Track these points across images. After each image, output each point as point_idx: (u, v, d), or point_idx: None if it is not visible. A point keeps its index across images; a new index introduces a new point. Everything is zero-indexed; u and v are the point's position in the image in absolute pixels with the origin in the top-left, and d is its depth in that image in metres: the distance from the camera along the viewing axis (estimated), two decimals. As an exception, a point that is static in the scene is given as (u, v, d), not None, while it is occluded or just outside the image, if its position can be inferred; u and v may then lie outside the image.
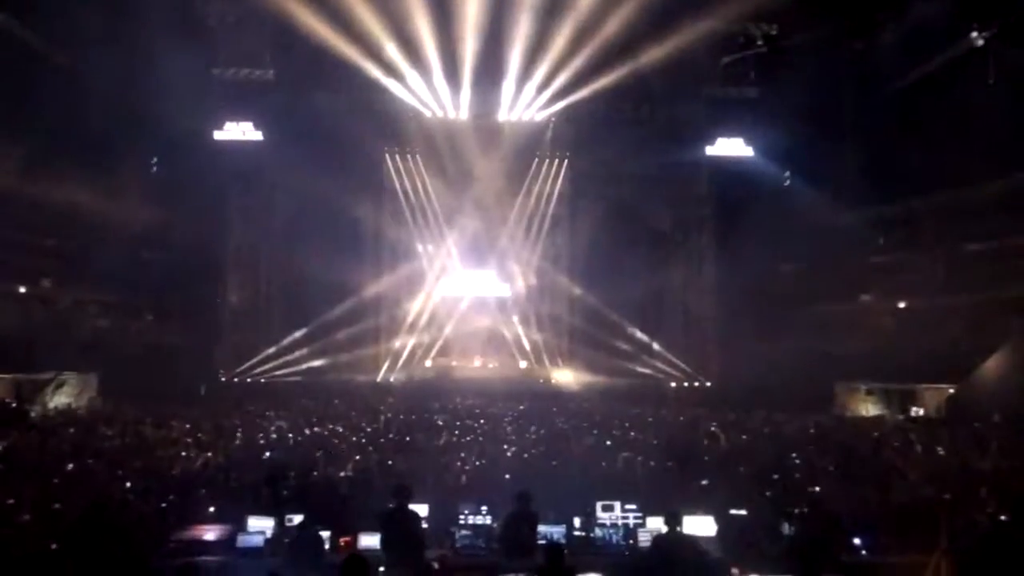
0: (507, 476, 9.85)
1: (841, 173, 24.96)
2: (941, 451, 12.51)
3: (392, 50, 23.73)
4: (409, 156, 27.42)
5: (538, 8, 22.29)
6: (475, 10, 22.13)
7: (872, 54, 23.56)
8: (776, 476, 9.86)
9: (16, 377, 19.72)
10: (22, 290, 22.14)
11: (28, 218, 21.45)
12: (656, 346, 26.78)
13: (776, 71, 24.78)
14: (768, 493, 8.90)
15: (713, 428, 15.21)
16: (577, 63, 23.79)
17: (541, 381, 26.32)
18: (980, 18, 20.65)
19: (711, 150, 26.28)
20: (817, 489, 9.02)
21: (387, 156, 27.26)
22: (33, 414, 17.08)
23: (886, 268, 25.38)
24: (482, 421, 16.41)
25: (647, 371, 26.40)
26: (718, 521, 7.28)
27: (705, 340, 26.83)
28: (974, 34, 20.77)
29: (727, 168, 26.14)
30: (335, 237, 25.02)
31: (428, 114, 26.39)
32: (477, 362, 27.59)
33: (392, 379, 26.13)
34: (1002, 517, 6.98)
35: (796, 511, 7.52)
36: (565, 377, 26.47)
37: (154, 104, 20.50)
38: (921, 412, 20.76)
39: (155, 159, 25.04)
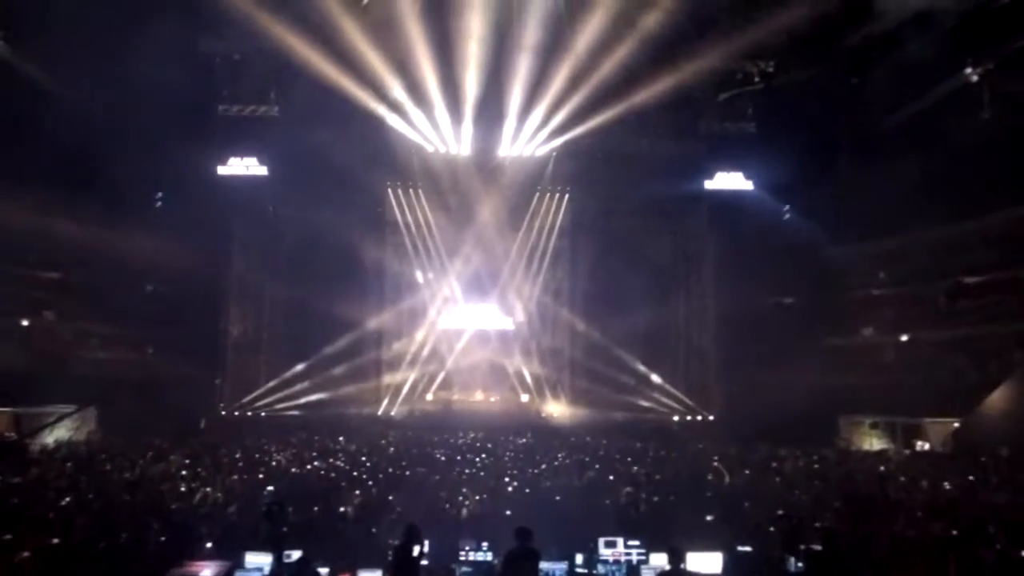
0: (508, 512, 9.72)
1: (839, 207, 25.10)
2: (948, 486, 12.36)
3: (395, 87, 24.11)
4: (411, 190, 27.64)
5: (538, 47, 22.69)
6: (476, 49, 22.52)
7: (867, 89, 23.85)
8: (781, 512, 9.73)
9: (16, 411, 19.63)
10: (24, 323, 22.16)
11: (30, 252, 21.55)
12: (658, 379, 26.64)
13: (773, 107, 25.08)
14: (773, 529, 8.77)
15: (716, 463, 15.05)
16: (577, 100, 24.10)
17: (543, 415, 26.14)
18: (974, 53, 20.98)
19: (710, 184, 26.47)
20: (824, 524, 8.89)
21: (389, 190, 27.47)
22: (33, 448, 16.94)
23: (887, 301, 25.37)
24: (483, 456, 16.26)
25: (649, 405, 26.24)
26: (724, 557, 7.16)
27: (707, 373, 26.70)
28: (968, 69, 21.08)
29: (727, 202, 26.28)
30: (337, 270, 25.15)
31: (430, 149, 26.67)
32: (479, 396, 27.43)
33: (393, 413, 25.97)
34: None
35: (803, 547, 7.40)
36: (567, 411, 26.29)
37: (160, 140, 20.77)
38: (927, 446, 20.56)
39: (160, 193, 25.22)
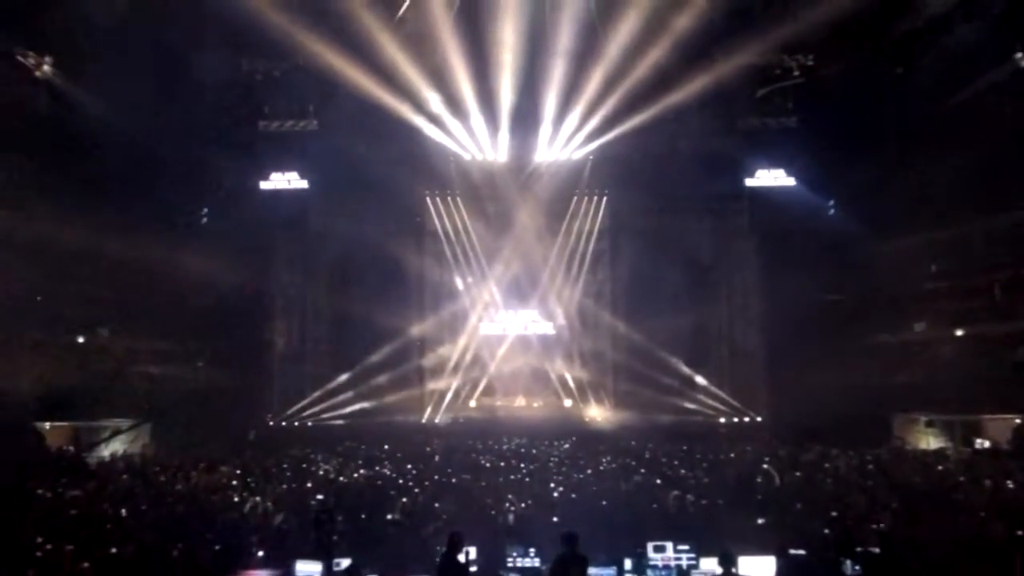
0: (555, 518, 9.68)
1: (886, 200, 24.42)
2: (1011, 484, 11.90)
3: (431, 97, 24.36)
4: (449, 199, 27.85)
5: (571, 52, 22.65)
6: (510, 56, 22.62)
7: (912, 79, 23.20)
8: (835, 513, 9.49)
9: (74, 425, 20.28)
10: (80, 340, 22.93)
11: (84, 271, 22.28)
12: (702, 381, 26.25)
13: (815, 100, 24.56)
14: (827, 531, 8.56)
15: (766, 465, 14.75)
16: (612, 102, 23.96)
17: (587, 419, 25.98)
18: (1022, 39, 20.24)
19: (751, 181, 26.07)
20: (882, 526, 8.63)
21: (428, 199, 27.72)
22: (90, 461, 17.49)
23: (940, 295, 24.55)
24: (528, 461, 16.22)
25: (694, 407, 25.88)
26: (778, 561, 7.00)
27: (753, 374, 26.19)
28: (1018, 55, 20.36)
29: (769, 199, 25.84)
30: (378, 280, 25.50)
31: (467, 158, 26.85)
32: (521, 401, 27.39)
33: (437, 420, 26.12)
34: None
35: (859, 549, 7.19)
36: (610, 415, 26.09)
37: (205, 158, 21.34)
38: (987, 444, 19.82)
39: (205, 210, 25.92)
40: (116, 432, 20.75)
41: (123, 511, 10.12)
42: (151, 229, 21.81)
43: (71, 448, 19.00)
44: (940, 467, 15.02)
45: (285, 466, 15.70)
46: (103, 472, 15.23)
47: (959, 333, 23.37)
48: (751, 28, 22.04)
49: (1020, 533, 8.00)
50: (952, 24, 20.09)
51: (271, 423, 25.29)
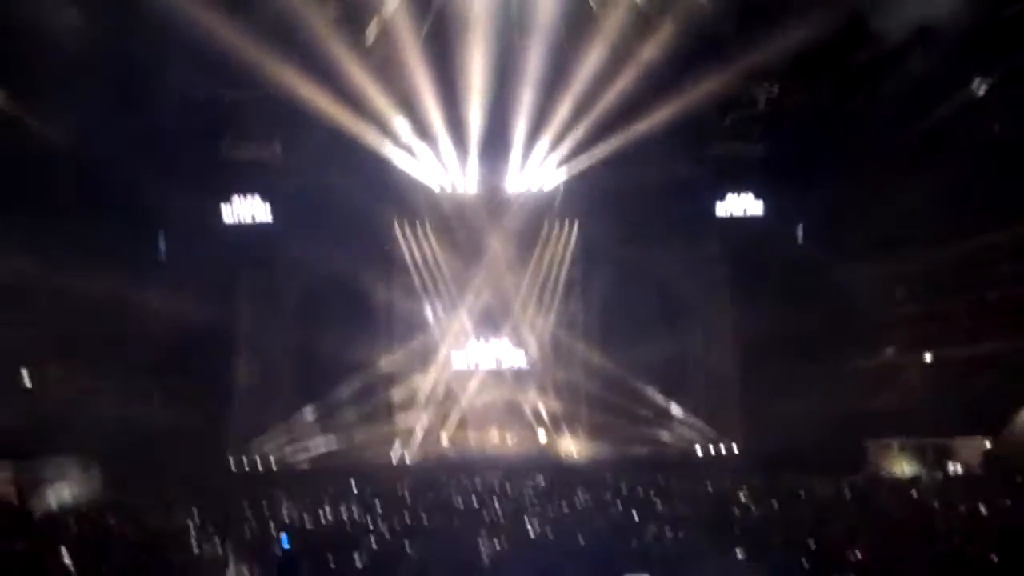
0: (530, 555, 9.60)
1: (854, 225, 25.06)
2: (984, 510, 12.10)
3: (400, 124, 24.49)
4: (419, 228, 27.85)
5: (541, 79, 23.04)
6: (480, 83, 22.92)
7: (876, 106, 23.99)
8: (813, 543, 9.55)
9: (16, 471, 19.46)
10: (27, 378, 22.26)
11: (33, 305, 21.73)
12: (678, 410, 26.38)
13: (781, 128, 25.25)
14: (806, 562, 8.61)
15: (742, 495, 14.82)
16: (581, 129, 24.44)
17: (562, 453, 25.88)
18: (981, 66, 21.10)
19: (722, 207, 26.56)
20: (859, 555, 8.71)
21: (397, 228, 27.67)
22: (35, 509, 16.84)
23: (908, 320, 25.13)
24: (502, 498, 16.08)
25: (670, 437, 25.95)
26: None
27: (728, 402, 26.40)
28: (976, 82, 21.19)
29: (739, 225, 26.35)
30: (345, 312, 25.28)
31: (437, 187, 26.93)
32: (495, 436, 27.21)
33: (407, 457, 25.78)
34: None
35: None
36: (585, 448, 26.02)
37: (162, 189, 21.08)
38: (959, 469, 20.19)
39: (163, 243, 25.55)
40: (64, 476, 20.05)
41: (70, 561, 9.77)
42: (106, 261, 21.41)
43: (13, 493, 18.27)
44: (914, 493, 15.22)
45: (246, 509, 15.32)
46: (49, 519, 14.69)
47: (927, 357, 23.93)
48: (717, 57, 22.68)
49: (993, 557, 8.15)
50: (910, 54, 20.86)
51: (232, 464, 24.70)
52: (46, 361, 22.76)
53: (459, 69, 22.83)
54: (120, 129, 20.37)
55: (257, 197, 25.71)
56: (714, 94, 24.18)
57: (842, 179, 24.66)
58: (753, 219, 26.28)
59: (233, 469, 24.48)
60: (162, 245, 25.39)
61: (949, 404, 21.18)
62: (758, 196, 26.31)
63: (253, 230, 25.68)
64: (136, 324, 22.88)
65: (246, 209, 25.70)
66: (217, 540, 11.41)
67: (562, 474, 20.96)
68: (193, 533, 12.30)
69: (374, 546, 10.76)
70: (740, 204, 26.51)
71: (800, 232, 26.91)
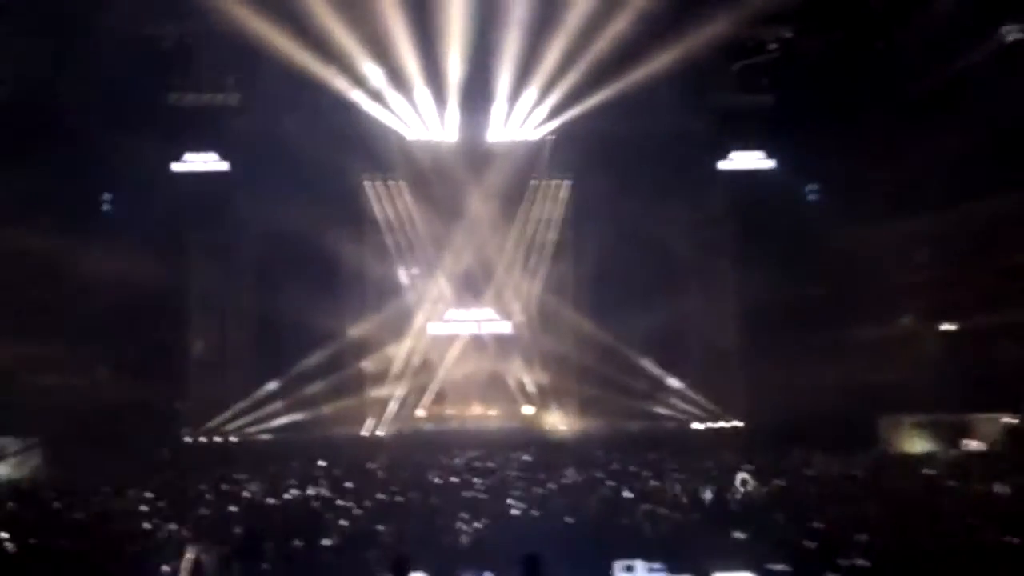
0: (514, 537, 9.70)
1: (869, 184, 25.11)
2: (1001, 489, 12.37)
3: (371, 69, 24.07)
4: (392, 183, 27.56)
5: (529, 21, 22.65)
6: (460, 24, 22.48)
7: (896, 53, 23.87)
8: (818, 524, 9.72)
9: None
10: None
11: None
12: (675, 383, 26.60)
13: (793, 76, 25.09)
14: (810, 543, 8.76)
15: (743, 473, 15.04)
16: (573, 77, 24.09)
17: (548, 428, 26.10)
18: (1012, 11, 21.00)
19: (725, 164, 26.49)
20: (866, 537, 8.87)
21: (367, 183, 27.38)
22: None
23: (926, 286, 25.33)
24: (484, 476, 16.23)
25: (666, 411, 26.22)
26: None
27: (729, 374, 26.61)
28: (1005, 28, 21.11)
29: (745, 183, 26.30)
30: (311, 274, 24.96)
31: (412, 137, 26.60)
32: (476, 409, 27.36)
33: (380, 432, 25.89)
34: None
35: (844, 563, 7.38)
36: (575, 422, 26.25)
37: (104, 138, 20.66)
38: (975, 445, 20.58)
39: (107, 196, 25.12)
40: (1, 455, 19.97)
41: (10, 546, 9.77)
42: (43, 217, 21.07)
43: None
44: (927, 471, 15.52)
45: (204, 488, 15.37)
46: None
47: (947, 327, 24.21)
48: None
49: (1012, 540, 8.31)
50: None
51: (188, 439, 24.67)
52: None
53: (437, 8, 22.38)
54: (57, 72, 19.91)
55: (211, 145, 25.22)
56: (719, 39, 23.90)
57: (857, 133, 24.64)
58: (760, 176, 26.23)
59: (189, 443, 24.45)
60: (106, 198, 24.94)
61: (967, 378, 21.51)
62: (765, 151, 26.24)
63: (207, 179, 25.24)
64: (78, 286, 22.58)
65: (199, 159, 25.23)
66: (172, 523, 11.45)
67: (549, 451, 21.15)
68: (145, 515, 12.34)
69: (343, 526, 10.83)
70: (746, 159, 26.44)
71: (810, 190, 26.93)
